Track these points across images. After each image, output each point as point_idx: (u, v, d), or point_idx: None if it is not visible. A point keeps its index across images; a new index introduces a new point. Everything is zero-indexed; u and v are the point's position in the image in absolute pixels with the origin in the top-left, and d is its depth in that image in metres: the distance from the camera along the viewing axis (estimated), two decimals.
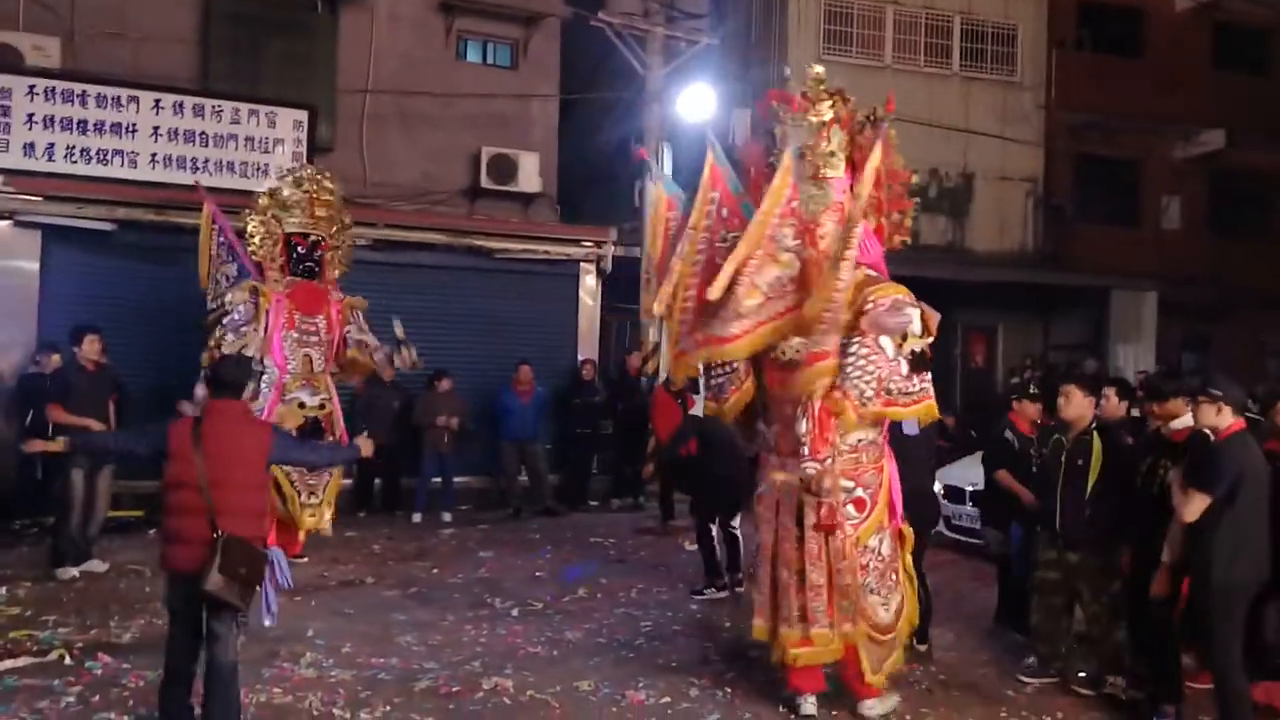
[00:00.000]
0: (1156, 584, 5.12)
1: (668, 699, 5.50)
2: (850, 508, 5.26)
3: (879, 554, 5.36)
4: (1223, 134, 17.63)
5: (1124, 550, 5.52)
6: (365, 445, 5.45)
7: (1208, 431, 4.86)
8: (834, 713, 5.34)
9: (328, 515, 8.04)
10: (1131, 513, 5.48)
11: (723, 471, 7.75)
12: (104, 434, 7.00)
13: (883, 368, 5.17)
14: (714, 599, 7.61)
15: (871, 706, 5.32)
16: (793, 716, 5.31)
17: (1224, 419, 4.79)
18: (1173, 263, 17.34)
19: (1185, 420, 5.25)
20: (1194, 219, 18.53)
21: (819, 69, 5.33)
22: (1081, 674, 5.77)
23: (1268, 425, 6.10)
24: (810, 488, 5.17)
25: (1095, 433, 5.63)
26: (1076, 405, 5.70)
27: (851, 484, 5.30)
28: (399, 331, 8.88)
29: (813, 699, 5.32)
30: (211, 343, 7.92)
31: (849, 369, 5.17)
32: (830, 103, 5.21)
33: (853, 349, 5.19)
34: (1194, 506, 4.74)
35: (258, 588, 4.55)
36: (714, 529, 7.92)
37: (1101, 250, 16.93)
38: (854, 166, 5.31)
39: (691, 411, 7.99)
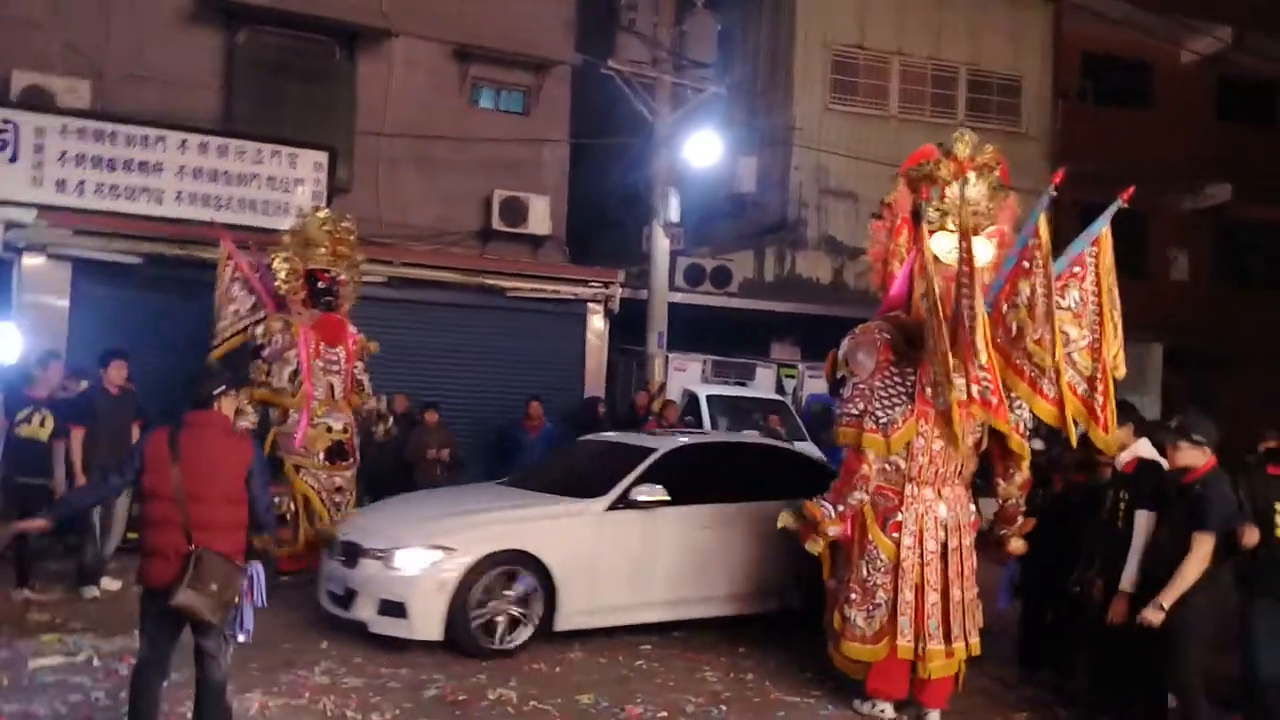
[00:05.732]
0: (1114, 610, 5.23)
1: (664, 714, 5.64)
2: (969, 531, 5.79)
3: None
4: (1229, 187, 17.83)
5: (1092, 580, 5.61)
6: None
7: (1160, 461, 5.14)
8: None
9: None
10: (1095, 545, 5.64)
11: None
12: (82, 492, 6.19)
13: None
14: None
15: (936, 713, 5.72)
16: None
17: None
18: (1180, 314, 17.39)
19: (1131, 451, 5.51)
20: (1200, 271, 18.71)
21: (967, 133, 5.81)
22: None
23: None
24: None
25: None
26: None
27: (972, 508, 5.90)
28: (399, 405, 9.24)
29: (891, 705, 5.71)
30: (255, 375, 8.25)
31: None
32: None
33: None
34: (1206, 550, 4.84)
35: (234, 602, 4.35)
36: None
37: None
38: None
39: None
